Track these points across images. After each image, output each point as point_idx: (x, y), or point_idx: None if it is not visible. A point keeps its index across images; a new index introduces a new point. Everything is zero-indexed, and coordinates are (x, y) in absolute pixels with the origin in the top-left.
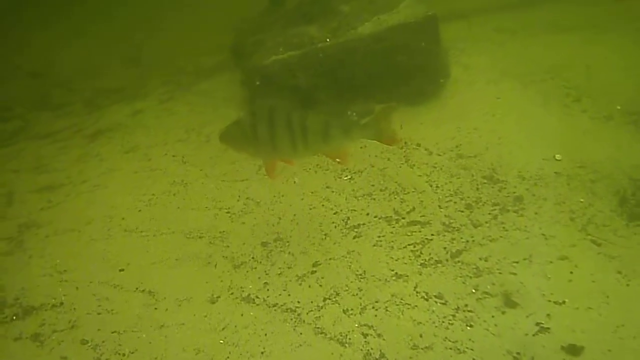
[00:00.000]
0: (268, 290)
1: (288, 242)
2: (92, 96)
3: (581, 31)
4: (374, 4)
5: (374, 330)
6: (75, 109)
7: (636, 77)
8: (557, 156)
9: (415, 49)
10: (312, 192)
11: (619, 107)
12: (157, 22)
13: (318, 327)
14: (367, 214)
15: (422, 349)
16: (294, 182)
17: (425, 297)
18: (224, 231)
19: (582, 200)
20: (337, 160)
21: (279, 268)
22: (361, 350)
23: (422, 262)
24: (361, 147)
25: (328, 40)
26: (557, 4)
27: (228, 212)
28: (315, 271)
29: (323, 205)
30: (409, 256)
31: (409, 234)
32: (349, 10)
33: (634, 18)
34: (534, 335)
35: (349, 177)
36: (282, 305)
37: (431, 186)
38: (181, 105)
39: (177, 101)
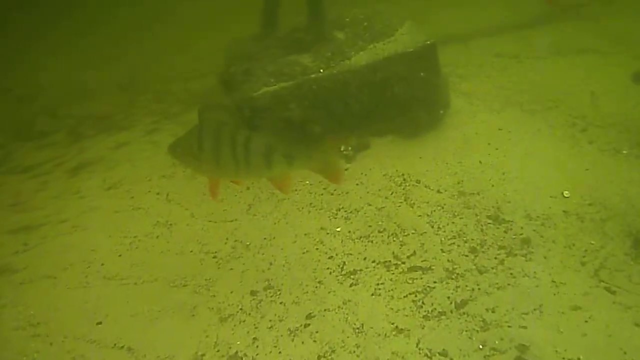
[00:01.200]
0: (257, 347)
1: (279, 290)
2: (76, 124)
3: (584, 55)
4: (369, 30)
5: None
6: (58, 139)
7: None
8: (565, 193)
9: (414, 80)
10: (305, 234)
11: (628, 139)
12: (149, 43)
13: None
14: (365, 259)
15: None
16: (286, 222)
17: (429, 354)
18: (210, 278)
19: (593, 242)
20: (278, 188)
21: (270, 321)
22: None
23: (424, 313)
24: (357, 184)
25: (322, 70)
26: (558, 26)
27: (215, 257)
28: (309, 324)
29: (317, 248)
30: (410, 307)
31: (410, 281)
32: (343, 38)
33: (636, 42)
34: None
35: (344, 216)
36: None
37: (432, 227)
38: (167, 137)
39: (163, 132)
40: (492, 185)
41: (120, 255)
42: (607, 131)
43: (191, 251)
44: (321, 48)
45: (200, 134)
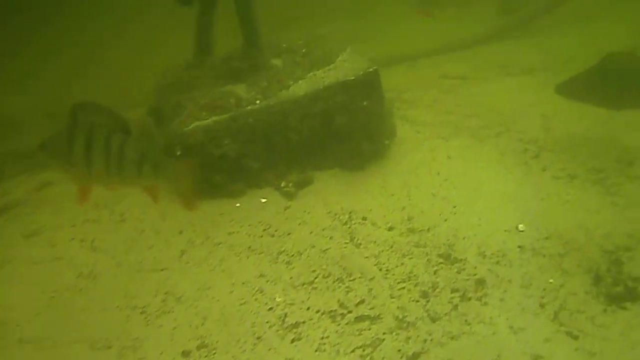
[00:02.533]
0: None
1: (214, 349)
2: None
3: (532, 74)
4: (308, 57)
5: None
6: None
7: (596, 126)
8: (520, 226)
9: (356, 109)
10: (243, 283)
11: (582, 163)
12: (83, 71)
13: None
14: (308, 309)
15: None
16: (222, 270)
17: None
18: (137, 338)
19: (551, 280)
20: (151, 197)
21: None
22: None
23: None
24: (300, 224)
25: (258, 102)
26: (504, 45)
27: (143, 312)
28: None
29: (256, 299)
30: None
31: (357, 332)
32: (281, 66)
33: (585, 59)
34: None
35: (286, 261)
36: None
37: (381, 270)
38: None
39: None
40: (444, 220)
41: (38, 314)
42: (560, 156)
43: (117, 306)
44: (257, 77)
45: (72, 134)
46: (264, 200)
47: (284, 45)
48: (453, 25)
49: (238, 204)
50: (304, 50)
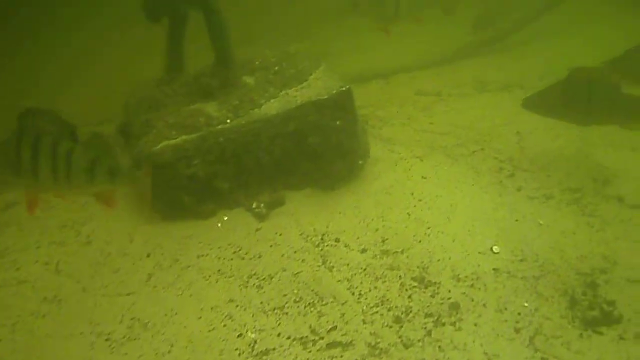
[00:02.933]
0: None
1: None
2: None
3: (509, 90)
4: (280, 75)
5: None
6: None
7: (571, 143)
8: (495, 248)
9: (329, 129)
10: (212, 308)
11: (557, 182)
12: (51, 85)
13: None
14: (279, 335)
15: None
16: (190, 294)
17: None
18: None
19: (526, 304)
20: (104, 204)
21: None
22: None
23: None
24: (271, 246)
25: (229, 121)
26: (479, 60)
27: (108, 339)
28: None
29: (225, 325)
30: None
31: None
32: (253, 83)
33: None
34: None
35: (257, 285)
36: None
37: (353, 294)
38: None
39: None
40: (418, 242)
41: (0, 340)
42: (536, 175)
43: (81, 333)
44: (229, 95)
45: (18, 142)
46: (225, 218)
47: (257, 62)
48: (428, 40)
49: (219, 224)
50: (276, 68)
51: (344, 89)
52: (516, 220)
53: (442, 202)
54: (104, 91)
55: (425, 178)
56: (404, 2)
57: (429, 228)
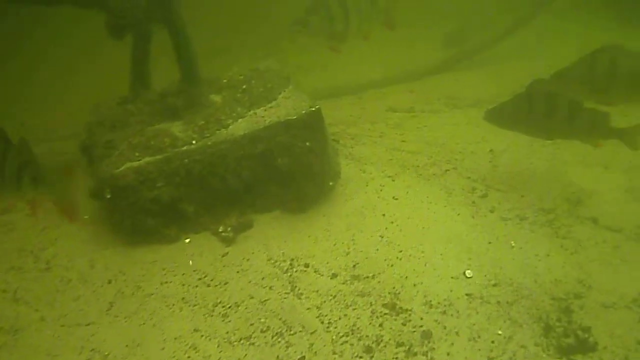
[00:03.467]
0: None
1: None
2: None
3: (481, 106)
4: (249, 94)
5: None
6: None
7: (543, 161)
8: (468, 272)
9: (299, 150)
10: (175, 338)
11: (531, 203)
12: (19, 99)
13: None
14: None
15: None
16: (153, 324)
17: None
18: None
19: (500, 332)
20: (31, 211)
21: None
22: None
23: None
24: (238, 272)
25: (194, 142)
26: (453, 75)
27: None
28: None
29: (189, 356)
30: None
31: None
32: (220, 102)
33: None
34: None
35: (222, 313)
36: None
37: (322, 323)
38: (21, 218)
39: (17, 212)
40: (389, 266)
41: None
42: (509, 195)
43: None
44: (194, 115)
45: None
46: (188, 241)
47: (225, 80)
48: (401, 55)
49: (184, 249)
50: (244, 86)
51: (313, 109)
52: (489, 243)
53: (414, 224)
54: (79, 106)
55: (396, 199)
56: (354, 18)
57: (400, 251)
